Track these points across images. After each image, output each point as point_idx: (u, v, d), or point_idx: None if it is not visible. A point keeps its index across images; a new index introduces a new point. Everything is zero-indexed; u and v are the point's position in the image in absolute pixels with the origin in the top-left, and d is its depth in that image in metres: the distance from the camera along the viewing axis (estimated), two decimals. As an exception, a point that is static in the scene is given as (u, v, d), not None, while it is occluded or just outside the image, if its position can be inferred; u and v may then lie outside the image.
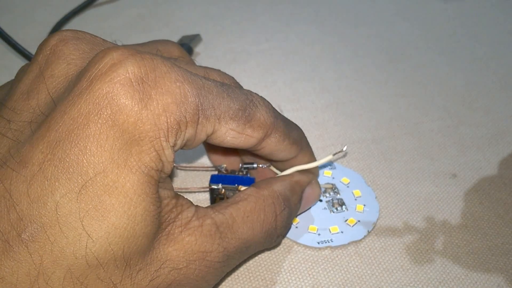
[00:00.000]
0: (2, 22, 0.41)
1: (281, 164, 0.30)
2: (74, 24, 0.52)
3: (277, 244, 0.29)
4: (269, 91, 0.43)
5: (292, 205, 0.28)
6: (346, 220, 0.32)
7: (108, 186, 0.20)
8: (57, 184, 0.20)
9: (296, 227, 0.31)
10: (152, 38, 0.50)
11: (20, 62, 0.45)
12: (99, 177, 0.20)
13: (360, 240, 0.31)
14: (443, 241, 0.31)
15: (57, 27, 0.50)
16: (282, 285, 0.29)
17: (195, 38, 0.47)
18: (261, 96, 0.27)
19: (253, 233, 0.25)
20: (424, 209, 0.33)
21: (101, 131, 0.20)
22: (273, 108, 0.27)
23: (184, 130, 0.22)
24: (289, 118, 0.41)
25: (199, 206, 0.25)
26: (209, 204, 0.32)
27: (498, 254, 0.30)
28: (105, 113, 0.20)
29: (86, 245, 0.20)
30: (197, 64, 0.28)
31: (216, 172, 0.32)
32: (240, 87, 0.28)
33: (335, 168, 0.35)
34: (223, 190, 0.30)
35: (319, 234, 0.31)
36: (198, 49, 0.48)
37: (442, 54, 0.48)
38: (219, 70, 0.28)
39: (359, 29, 0.51)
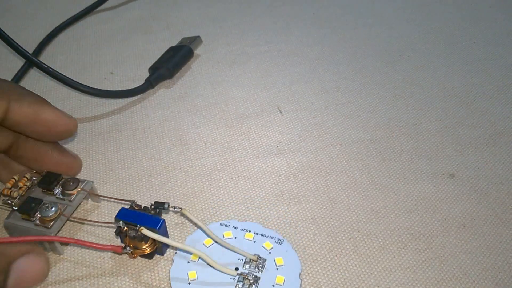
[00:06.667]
0: (3, 24, 0.41)
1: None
2: (76, 27, 0.52)
3: None
4: (268, 92, 0.43)
5: None
6: None
7: None
8: None
9: None
10: (152, 40, 0.50)
11: (21, 64, 0.45)
12: None
13: None
14: (441, 240, 0.31)
15: (59, 30, 0.51)
16: None
17: (195, 40, 0.48)
18: None
19: None
20: (422, 208, 0.33)
21: None
22: None
23: None
24: (288, 118, 0.42)
25: None
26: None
27: (495, 253, 0.30)
28: None
29: None
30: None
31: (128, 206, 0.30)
32: None
33: (282, 243, 0.28)
34: (125, 227, 0.28)
35: None
36: (198, 51, 0.48)
37: (440, 56, 0.48)
38: None
39: (357, 30, 0.52)
